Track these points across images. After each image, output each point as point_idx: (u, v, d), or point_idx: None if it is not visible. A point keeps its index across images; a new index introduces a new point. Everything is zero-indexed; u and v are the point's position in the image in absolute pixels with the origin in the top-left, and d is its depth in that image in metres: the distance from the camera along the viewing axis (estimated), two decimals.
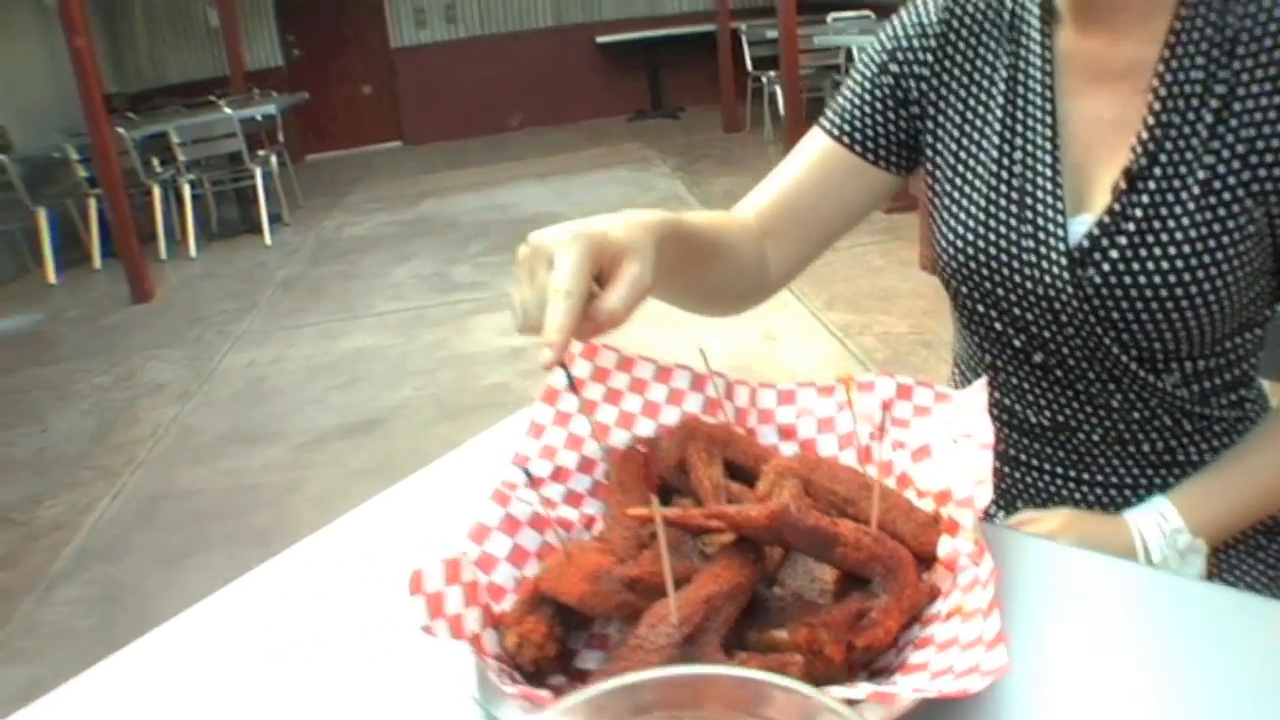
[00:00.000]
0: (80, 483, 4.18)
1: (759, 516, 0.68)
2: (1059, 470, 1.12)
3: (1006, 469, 1.16)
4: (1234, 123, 0.93)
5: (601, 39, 11.92)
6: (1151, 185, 0.96)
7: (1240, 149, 0.93)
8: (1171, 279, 0.96)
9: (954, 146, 1.10)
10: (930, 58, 1.11)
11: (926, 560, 0.75)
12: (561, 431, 0.90)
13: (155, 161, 7.98)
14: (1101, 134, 1.01)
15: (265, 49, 11.71)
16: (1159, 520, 0.99)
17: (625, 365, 0.94)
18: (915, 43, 1.12)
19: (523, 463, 0.87)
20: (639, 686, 0.44)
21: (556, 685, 0.70)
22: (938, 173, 1.12)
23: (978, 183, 1.07)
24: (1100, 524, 1.02)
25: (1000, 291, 1.06)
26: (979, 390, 0.85)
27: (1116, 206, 0.98)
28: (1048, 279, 1.02)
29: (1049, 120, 1.03)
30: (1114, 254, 0.98)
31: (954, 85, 1.10)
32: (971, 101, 1.09)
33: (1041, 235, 1.02)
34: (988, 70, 1.08)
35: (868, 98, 1.13)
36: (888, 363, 4.18)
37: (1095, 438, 1.09)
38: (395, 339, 5.36)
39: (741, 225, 1.11)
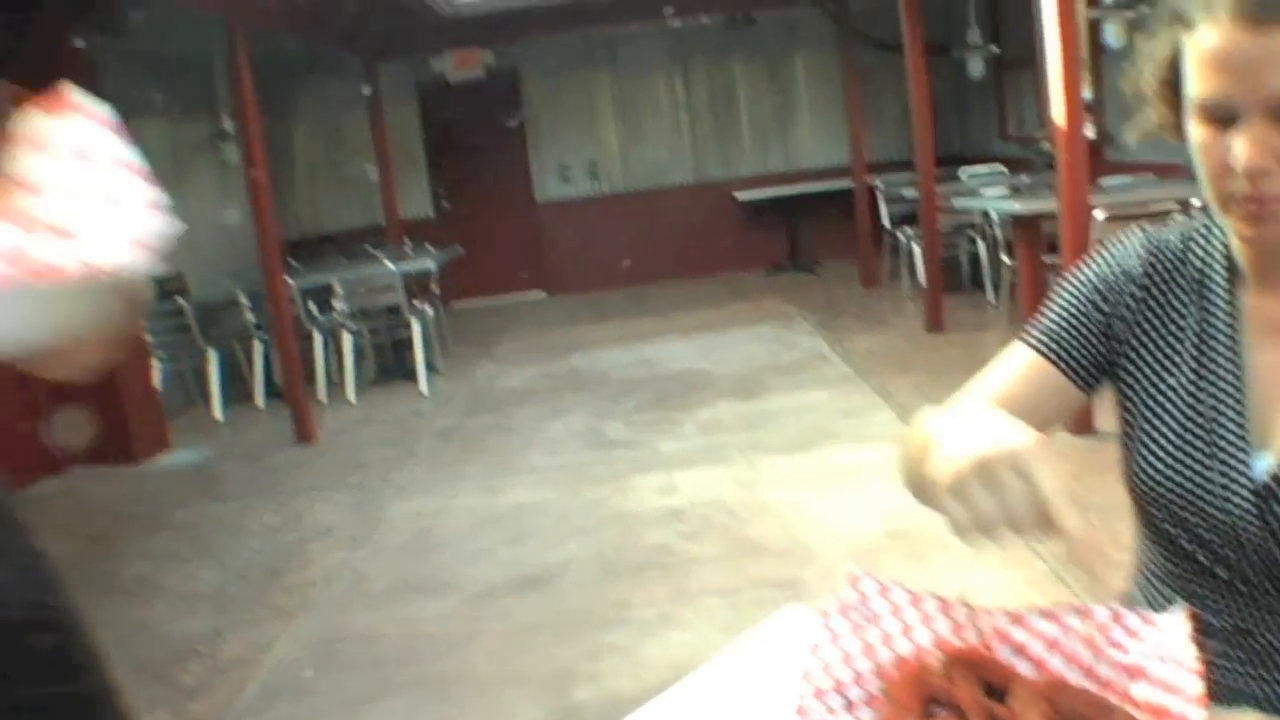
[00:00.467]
0: (257, 620, 4.35)
1: None
2: (1240, 669, 1.20)
3: None
4: None
5: (741, 195, 12.20)
6: None
7: None
8: None
9: (1146, 383, 1.24)
10: (1132, 301, 1.25)
11: None
12: (836, 650, 1.03)
13: (314, 307, 8.36)
14: None
15: (417, 200, 12.24)
16: None
17: (883, 590, 1.05)
18: (1122, 285, 1.26)
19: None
20: None
21: None
22: (1131, 404, 1.26)
23: (1169, 419, 1.21)
24: None
25: (1187, 515, 1.19)
26: (1182, 619, 0.95)
27: None
28: (1234, 510, 1.14)
29: (1235, 369, 1.17)
30: None
31: (1149, 328, 1.25)
32: (1164, 345, 1.23)
33: (1228, 471, 1.15)
34: (1178, 319, 1.23)
35: (1077, 323, 1.27)
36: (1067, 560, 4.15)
37: (1278, 643, 1.18)
38: (556, 494, 5.49)
39: None
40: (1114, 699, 0.93)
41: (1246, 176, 1.04)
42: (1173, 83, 1.14)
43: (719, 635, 3.60)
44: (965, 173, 9.64)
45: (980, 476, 0.86)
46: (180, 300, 7.83)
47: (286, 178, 11.91)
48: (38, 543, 1.32)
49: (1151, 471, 1.21)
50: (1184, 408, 1.19)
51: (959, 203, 8.18)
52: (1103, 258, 1.30)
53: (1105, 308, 1.26)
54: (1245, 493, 1.13)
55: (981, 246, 8.90)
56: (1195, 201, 5.30)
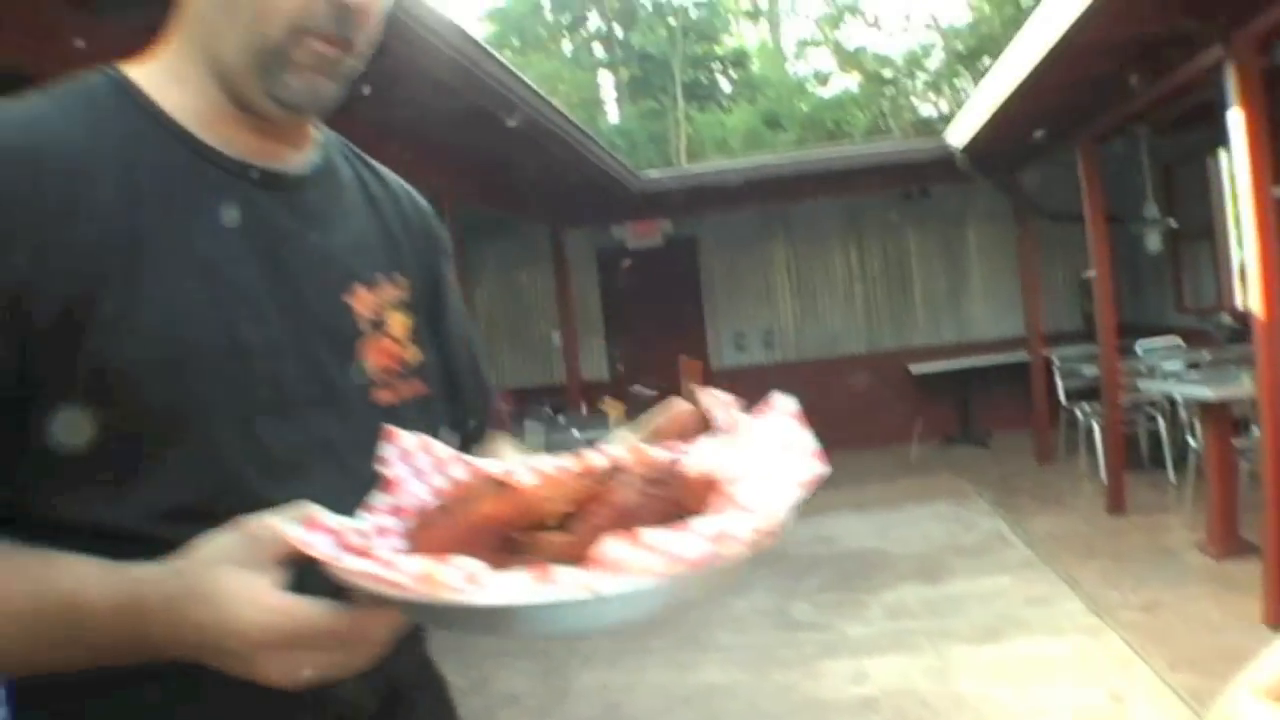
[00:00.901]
0: None
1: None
2: None
3: None
4: None
5: (915, 368, 12.26)
6: None
7: None
8: None
9: None
10: None
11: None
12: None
13: None
14: None
15: (593, 362, 12.61)
16: None
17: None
18: None
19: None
20: None
21: None
22: None
23: None
24: None
25: None
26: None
27: None
28: None
29: None
30: None
31: None
32: None
33: None
34: None
35: None
36: None
37: None
38: (745, 676, 5.53)
39: None
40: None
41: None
42: None
43: None
44: (1141, 346, 9.50)
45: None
46: None
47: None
48: None
49: None
50: None
51: (1144, 385, 8.07)
52: None
53: None
54: None
55: (1162, 423, 8.74)
56: None
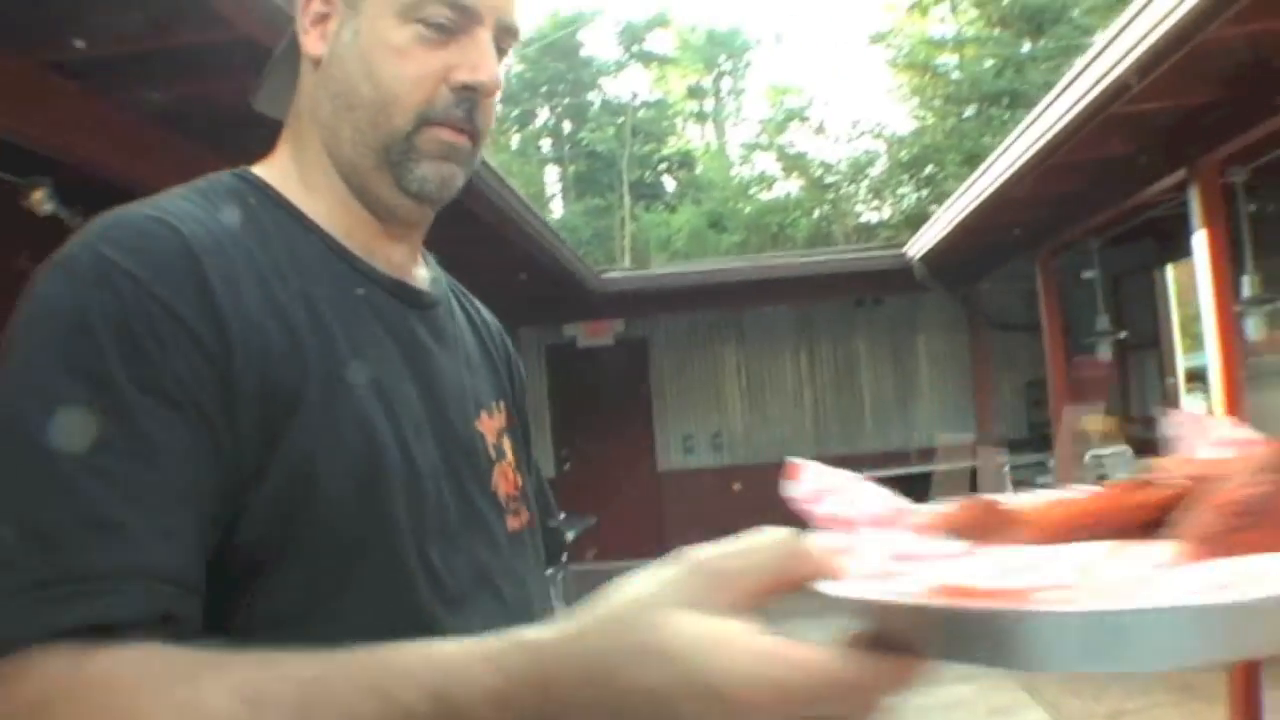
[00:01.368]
0: None
1: None
2: None
3: None
4: None
5: (862, 473, 12.15)
6: None
7: None
8: None
9: None
10: None
11: None
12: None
13: None
14: None
15: (542, 461, 12.27)
16: None
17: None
18: None
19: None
20: None
21: None
22: None
23: None
24: None
25: None
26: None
27: None
28: None
29: None
30: None
31: None
32: None
33: None
34: None
35: None
36: None
37: None
38: None
39: None
40: None
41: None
42: None
43: None
44: (1090, 454, 9.54)
45: None
46: None
47: None
48: None
49: None
50: None
51: None
52: None
53: None
54: None
55: None
56: None
